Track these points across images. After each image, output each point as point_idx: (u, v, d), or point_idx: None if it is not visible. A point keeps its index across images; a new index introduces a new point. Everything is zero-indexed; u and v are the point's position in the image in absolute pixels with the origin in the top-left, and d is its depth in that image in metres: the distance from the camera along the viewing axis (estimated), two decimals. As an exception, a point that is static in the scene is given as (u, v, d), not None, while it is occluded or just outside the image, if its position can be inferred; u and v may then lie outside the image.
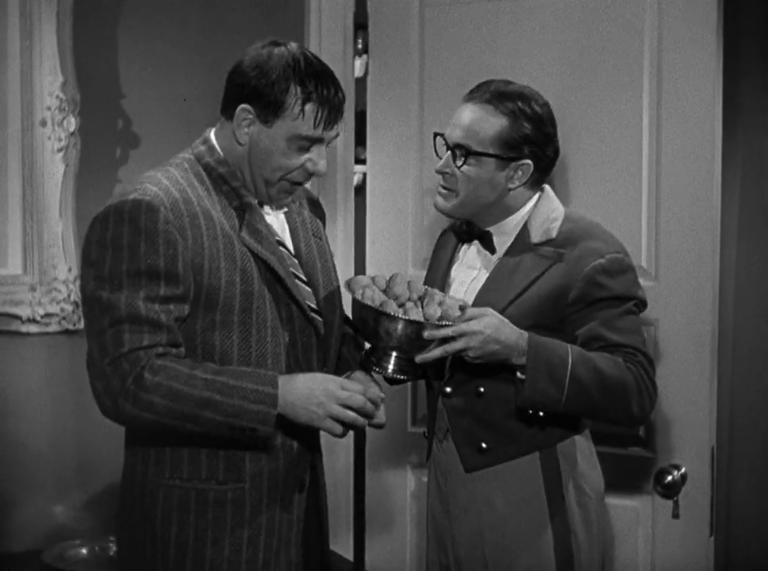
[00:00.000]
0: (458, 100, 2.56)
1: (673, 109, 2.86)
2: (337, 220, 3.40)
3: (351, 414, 2.12)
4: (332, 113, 2.16)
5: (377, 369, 2.33)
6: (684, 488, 2.87)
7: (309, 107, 2.14)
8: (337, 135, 2.21)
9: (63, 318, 3.07)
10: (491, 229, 2.50)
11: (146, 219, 2.08)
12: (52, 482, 3.11)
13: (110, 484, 3.17)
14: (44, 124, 3.02)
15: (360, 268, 3.43)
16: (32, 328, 3.06)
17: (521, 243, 2.46)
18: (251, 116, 2.16)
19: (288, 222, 2.33)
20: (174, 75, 3.22)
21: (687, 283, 2.86)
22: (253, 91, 2.14)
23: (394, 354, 2.31)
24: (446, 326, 2.26)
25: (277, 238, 2.27)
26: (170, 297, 2.09)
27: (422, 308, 2.31)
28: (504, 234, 2.50)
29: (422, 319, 2.26)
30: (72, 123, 3.05)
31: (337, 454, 3.38)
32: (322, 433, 2.23)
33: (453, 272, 2.56)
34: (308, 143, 2.17)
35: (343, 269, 3.23)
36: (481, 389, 2.44)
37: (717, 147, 2.87)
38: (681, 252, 2.87)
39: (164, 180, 2.16)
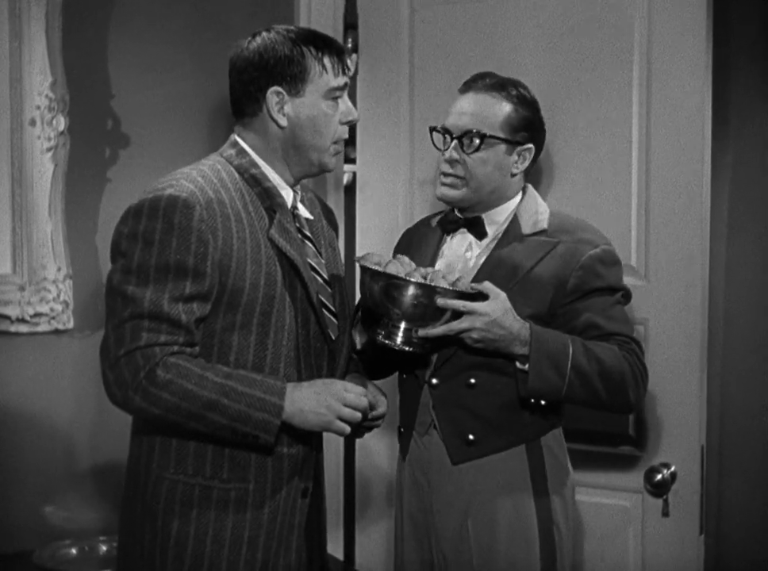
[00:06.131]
0: (448, 99, 2.57)
1: (663, 109, 2.86)
2: (327, 220, 3.40)
3: (358, 415, 2.18)
4: (341, 57, 2.27)
5: (385, 342, 2.34)
6: (674, 487, 2.88)
7: (326, 60, 2.24)
8: (348, 82, 2.32)
9: (53, 318, 3.06)
10: (482, 215, 2.52)
11: (180, 215, 2.10)
12: (42, 482, 3.10)
13: (101, 484, 3.17)
14: (33, 123, 3.01)
15: (350, 267, 3.41)
16: (22, 328, 3.04)
17: (513, 233, 2.50)
18: (282, 95, 2.22)
19: (311, 226, 2.37)
20: (164, 75, 3.22)
21: (677, 282, 2.86)
22: (273, 72, 2.22)
23: (403, 325, 2.32)
24: (458, 291, 2.29)
25: (306, 233, 2.31)
26: (195, 296, 2.11)
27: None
28: (494, 222, 2.54)
29: (433, 284, 2.29)
30: (61, 122, 3.04)
31: (327, 453, 3.36)
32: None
33: (438, 264, 2.56)
34: (339, 92, 2.27)
35: (334, 268, 3.21)
36: (472, 380, 2.45)
37: (707, 145, 2.87)
38: (670, 251, 2.87)
39: (199, 178, 2.17)
